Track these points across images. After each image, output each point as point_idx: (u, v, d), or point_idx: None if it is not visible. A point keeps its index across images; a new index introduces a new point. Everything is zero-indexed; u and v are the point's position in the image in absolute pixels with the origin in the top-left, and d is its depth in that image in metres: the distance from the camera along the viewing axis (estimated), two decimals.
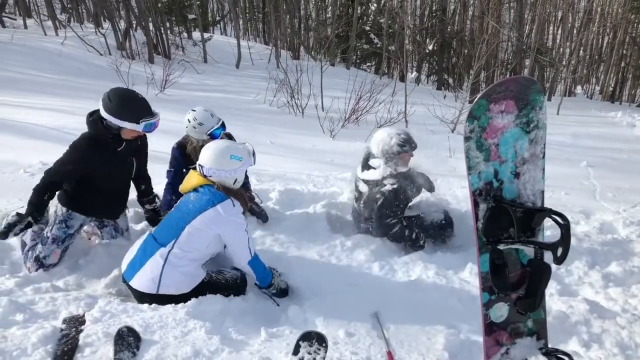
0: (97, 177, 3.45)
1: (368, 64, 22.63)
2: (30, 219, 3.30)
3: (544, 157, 2.18)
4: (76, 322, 2.72)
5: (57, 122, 6.89)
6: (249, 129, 7.72)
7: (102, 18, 17.68)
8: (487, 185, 2.09)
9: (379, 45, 20.16)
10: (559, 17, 23.16)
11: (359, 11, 19.81)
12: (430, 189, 4.32)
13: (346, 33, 20.26)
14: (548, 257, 2.03)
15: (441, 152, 7.72)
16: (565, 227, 1.94)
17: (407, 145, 3.95)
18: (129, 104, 3.26)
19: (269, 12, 20.11)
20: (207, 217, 3.02)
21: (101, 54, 13.86)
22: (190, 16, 17.80)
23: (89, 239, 3.82)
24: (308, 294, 3.30)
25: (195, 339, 2.65)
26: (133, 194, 3.95)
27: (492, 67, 17.71)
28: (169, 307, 2.89)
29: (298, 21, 21.85)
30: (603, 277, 3.69)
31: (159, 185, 4.72)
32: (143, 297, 3.00)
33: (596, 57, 24.09)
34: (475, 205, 2.08)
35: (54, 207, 3.53)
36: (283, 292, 3.33)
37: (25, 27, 16.25)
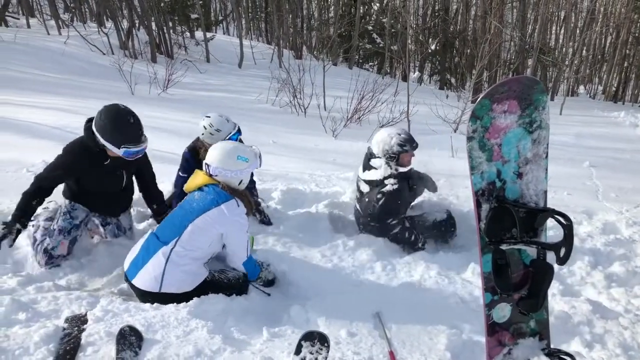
0: (87, 183, 3.52)
1: (370, 63, 22.63)
2: (18, 225, 3.26)
3: (546, 157, 2.17)
4: (78, 321, 2.73)
5: (60, 121, 6.90)
6: (252, 129, 7.71)
7: (104, 17, 17.71)
8: (490, 185, 2.09)
9: (381, 45, 20.15)
10: (562, 17, 23.14)
11: (361, 11, 19.82)
12: (433, 189, 4.32)
13: (349, 33, 20.26)
14: (551, 257, 2.03)
15: (443, 152, 7.71)
16: (568, 228, 1.93)
17: (407, 144, 3.94)
18: (116, 127, 3.25)
19: (271, 11, 20.11)
20: (210, 216, 3.03)
21: (104, 54, 13.88)
22: (193, 15, 17.82)
23: (92, 237, 3.82)
24: (310, 293, 3.30)
25: (198, 338, 2.65)
26: (136, 193, 3.95)
27: (494, 67, 17.70)
28: (171, 307, 2.89)
29: (300, 21, 21.84)
30: (606, 278, 3.68)
31: (162, 184, 4.73)
32: (145, 296, 3.01)
33: (599, 57, 24.04)
34: (478, 205, 2.08)
35: (59, 201, 3.57)
36: (270, 283, 3.45)
37: (28, 26, 16.29)
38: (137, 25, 15.76)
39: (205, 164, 3.16)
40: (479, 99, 1.98)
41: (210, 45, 16.63)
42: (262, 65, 16.26)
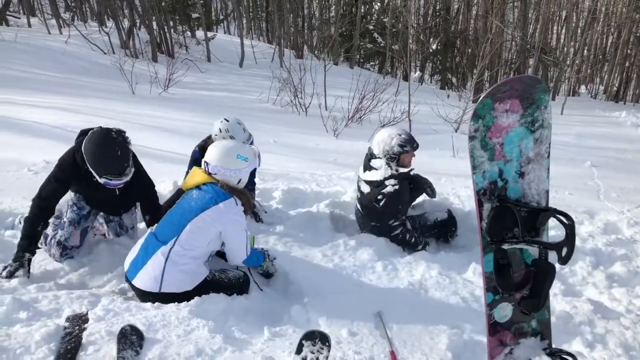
0: (83, 191, 3.52)
1: (371, 63, 22.63)
2: (27, 254, 3.22)
3: (548, 156, 2.17)
4: (79, 321, 2.72)
5: (61, 120, 6.91)
6: (252, 128, 7.64)
7: (105, 17, 17.71)
8: (492, 184, 2.08)
9: (382, 45, 20.15)
10: (563, 17, 23.11)
11: (362, 10, 19.82)
12: (432, 195, 4.29)
13: (350, 32, 20.26)
14: (552, 257, 2.02)
15: (445, 152, 7.70)
16: (570, 227, 1.93)
17: (408, 145, 3.93)
18: (100, 157, 3.14)
19: (272, 11, 20.12)
20: (209, 215, 3.02)
21: (105, 53, 13.89)
22: (194, 15, 17.85)
23: (94, 235, 3.82)
24: (311, 293, 3.29)
25: (198, 337, 2.65)
26: None
27: (495, 67, 17.69)
28: (172, 306, 2.88)
29: (301, 20, 21.85)
30: (607, 278, 3.67)
31: (162, 184, 4.74)
32: (146, 296, 3.00)
33: (600, 56, 24.02)
34: (480, 204, 2.07)
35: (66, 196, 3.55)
36: (268, 275, 3.51)
37: (29, 25, 16.30)
38: (138, 24, 15.77)
39: (205, 162, 3.16)
40: (481, 98, 1.98)
41: (211, 45, 16.63)
42: (263, 64, 16.27)
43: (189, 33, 18.32)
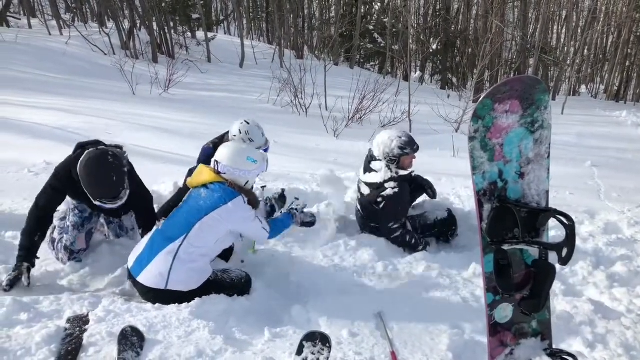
0: (83, 202, 3.48)
1: (372, 63, 22.64)
2: (26, 264, 3.17)
3: (548, 157, 2.17)
4: (80, 322, 2.72)
5: (62, 121, 6.92)
6: None
7: (106, 18, 17.72)
8: (492, 185, 2.08)
9: (382, 45, 20.15)
10: (564, 16, 23.10)
11: (362, 10, 19.82)
12: (433, 196, 4.29)
13: (350, 32, 20.27)
14: (553, 257, 2.02)
15: (445, 152, 7.71)
16: (570, 228, 1.93)
17: (408, 147, 3.92)
18: (93, 180, 3.08)
19: (272, 11, 20.12)
20: (219, 214, 3.05)
21: (105, 54, 13.90)
22: (194, 16, 17.84)
23: (97, 230, 3.82)
24: (312, 293, 3.30)
25: (199, 338, 2.65)
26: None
27: (496, 67, 17.68)
28: (172, 307, 2.89)
29: (302, 20, 21.84)
30: (608, 278, 3.67)
31: (162, 184, 4.74)
32: (149, 293, 3.00)
33: (601, 56, 24.01)
34: (480, 205, 2.07)
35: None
36: (310, 224, 3.74)
37: (30, 26, 16.31)
38: (138, 25, 15.77)
39: (215, 160, 3.20)
40: (481, 99, 1.98)
41: (212, 45, 16.64)
42: (263, 65, 16.27)
43: (189, 34, 18.33)
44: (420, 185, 4.30)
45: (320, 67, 10.93)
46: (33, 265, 3.22)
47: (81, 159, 3.10)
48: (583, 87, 23.62)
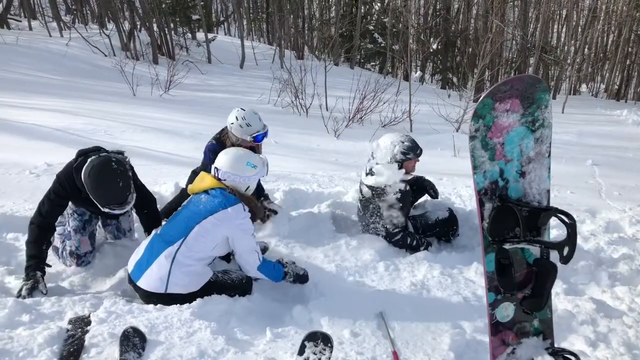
0: (83, 207, 3.50)
1: (372, 63, 22.62)
2: (39, 273, 3.15)
3: (549, 156, 2.17)
4: (82, 323, 2.73)
5: (62, 123, 6.92)
6: None
7: (106, 19, 17.74)
8: (493, 184, 2.08)
9: (382, 45, 20.14)
10: (564, 15, 23.10)
11: (362, 10, 19.82)
12: (435, 196, 4.28)
13: (350, 32, 20.27)
14: (554, 256, 2.02)
15: (446, 152, 7.71)
16: (571, 227, 1.93)
17: (411, 152, 3.90)
18: (100, 188, 3.08)
19: (272, 12, 20.12)
20: (217, 219, 3.04)
21: (106, 55, 13.92)
22: (194, 17, 17.84)
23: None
24: (313, 293, 3.30)
25: (201, 339, 2.65)
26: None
27: (496, 66, 17.68)
28: (174, 308, 2.89)
29: (302, 21, 21.85)
30: (609, 276, 3.66)
31: (164, 185, 4.74)
32: (150, 297, 3.00)
33: (601, 55, 24.01)
34: (481, 204, 2.07)
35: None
36: (302, 278, 3.39)
37: (30, 28, 16.33)
38: (138, 26, 15.79)
39: (215, 167, 3.22)
40: (481, 98, 1.98)
41: (212, 46, 16.65)
42: (263, 65, 16.29)
43: (189, 35, 18.34)
44: (422, 186, 4.30)
45: (321, 67, 10.93)
46: (44, 273, 3.20)
47: (85, 167, 3.10)
48: (583, 86, 23.62)
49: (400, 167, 3.91)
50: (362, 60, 21.94)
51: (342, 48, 19.60)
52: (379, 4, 21.88)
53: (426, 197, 4.43)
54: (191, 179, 4.23)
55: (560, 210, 2.01)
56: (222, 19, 27.21)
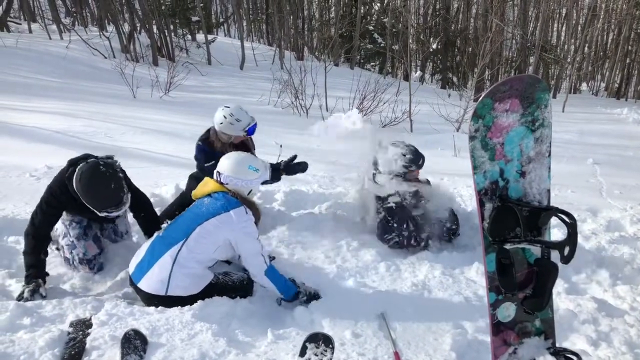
0: (77, 214, 3.49)
1: (372, 63, 22.62)
2: (39, 280, 3.14)
3: (549, 155, 2.16)
4: (83, 326, 2.73)
5: (62, 125, 6.93)
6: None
7: (106, 21, 17.74)
8: (493, 184, 2.08)
9: (382, 45, 20.15)
10: (564, 14, 23.09)
11: (362, 11, 19.82)
12: (451, 200, 4.27)
13: (350, 33, 20.26)
14: (555, 256, 2.02)
15: (446, 152, 7.70)
16: (571, 226, 1.92)
17: (413, 165, 3.92)
18: (94, 193, 3.10)
19: (272, 13, 20.13)
20: (219, 221, 3.06)
21: (106, 57, 13.92)
22: (194, 18, 17.85)
23: None
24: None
25: (202, 341, 2.65)
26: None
27: (496, 65, 17.68)
28: (175, 310, 2.89)
29: (301, 22, 21.86)
30: (611, 275, 3.66)
31: (164, 187, 4.74)
32: (151, 299, 3.00)
33: (601, 53, 23.99)
34: (481, 204, 2.07)
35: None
36: (314, 297, 3.22)
37: (30, 31, 16.34)
38: (138, 28, 15.79)
39: (217, 172, 3.25)
40: (480, 98, 1.98)
41: (212, 48, 16.66)
42: (263, 66, 16.29)
43: (189, 36, 18.34)
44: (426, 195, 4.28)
45: (321, 68, 10.94)
46: (45, 282, 3.20)
47: (75, 175, 3.11)
48: (584, 84, 23.61)
49: (402, 179, 3.92)
50: (362, 61, 21.94)
51: (342, 48, 19.60)
52: (378, 4, 21.91)
53: (426, 195, 4.42)
54: (189, 184, 4.24)
55: (560, 210, 2.01)
56: (221, 20, 27.20)
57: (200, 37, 18.06)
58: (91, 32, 16.76)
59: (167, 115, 8.73)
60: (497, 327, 2.22)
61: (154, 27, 15.31)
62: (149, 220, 3.66)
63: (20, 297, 3.04)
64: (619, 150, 8.60)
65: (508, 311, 2.21)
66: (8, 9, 17.23)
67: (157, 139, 6.96)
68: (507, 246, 2.08)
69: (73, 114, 7.81)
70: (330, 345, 2.51)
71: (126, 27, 15.78)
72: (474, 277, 3.61)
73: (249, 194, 3.29)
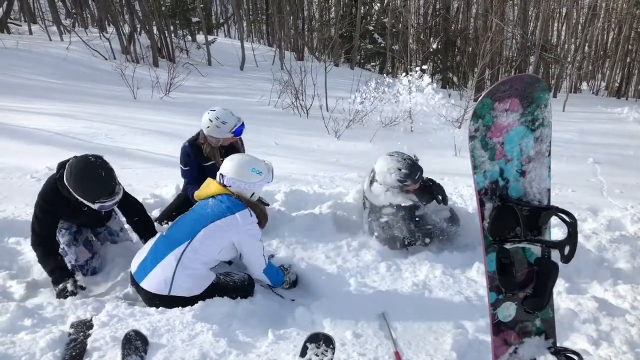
0: (69, 220, 3.49)
1: (372, 63, 22.64)
2: (71, 280, 3.17)
3: (549, 155, 2.16)
4: (84, 327, 2.73)
5: (63, 126, 6.94)
6: (254, 131, 7.71)
7: (106, 22, 17.76)
8: (493, 184, 2.08)
9: (382, 45, 20.15)
10: (564, 13, 23.07)
11: (362, 11, 19.82)
12: (444, 202, 4.24)
13: (350, 33, 20.28)
14: (555, 255, 2.02)
15: (446, 151, 7.70)
16: (572, 225, 1.92)
17: (408, 179, 3.83)
18: (87, 184, 3.09)
19: (272, 13, 20.14)
20: (225, 223, 3.07)
21: (106, 59, 13.93)
22: (194, 19, 17.87)
23: None
24: (315, 295, 3.30)
25: (203, 342, 2.65)
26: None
27: (496, 65, 17.67)
28: (176, 311, 2.89)
29: (301, 22, 21.87)
30: (611, 275, 3.66)
31: (165, 188, 4.75)
32: (153, 299, 3.00)
33: (601, 53, 23.96)
34: (481, 204, 2.07)
35: None
36: (294, 284, 3.47)
37: (30, 32, 16.36)
38: (138, 29, 15.81)
39: (220, 174, 3.24)
40: (480, 98, 1.98)
41: (212, 49, 16.67)
42: (263, 67, 16.30)
43: (189, 37, 18.36)
44: (429, 192, 4.25)
45: (321, 68, 10.93)
46: (72, 276, 3.21)
47: (65, 172, 3.11)
48: (584, 84, 23.58)
49: (397, 191, 3.90)
50: (362, 61, 21.95)
51: (342, 49, 19.61)
52: (378, 4, 21.91)
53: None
54: (186, 188, 4.24)
55: (560, 209, 2.01)
56: (221, 21, 27.21)
57: (200, 37, 18.08)
58: (91, 33, 16.77)
59: (167, 116, 8.74)
60: (498, 327, 2.22)
61: (154, 28, 15.32)
62: (142, 223, 3.65)
63: (64, 294, 3.07)
64: (620, 149, 8.60)
65: (509, 311, 2.21)
66: (8, 11, 17.25)
67: (158, 140, 6.97)
68: (508, 246, 2.08)
69: (74, 115, 7.81)
70: (331, 346, 2.52)
71: (126, 28, 15.79)
72: (475, 276, 3.60)
73: (251, 196, 3.27)
